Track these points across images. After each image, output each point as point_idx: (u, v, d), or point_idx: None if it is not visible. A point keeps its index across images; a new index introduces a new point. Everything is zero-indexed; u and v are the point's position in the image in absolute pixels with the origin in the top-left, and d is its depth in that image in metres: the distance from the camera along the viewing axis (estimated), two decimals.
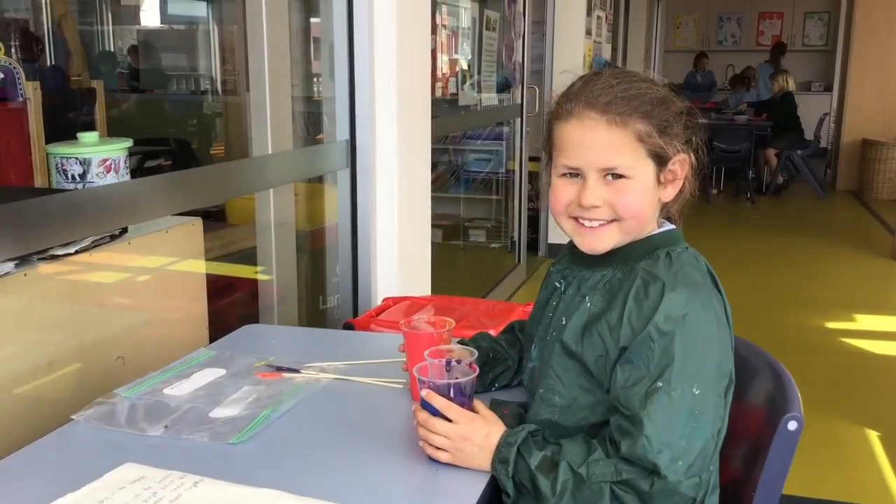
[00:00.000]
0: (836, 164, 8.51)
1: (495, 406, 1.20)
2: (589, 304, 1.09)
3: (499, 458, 1.03)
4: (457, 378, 1.11)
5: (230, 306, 2.24)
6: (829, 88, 10.30)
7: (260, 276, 2.24)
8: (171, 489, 1.01)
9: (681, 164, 1.10)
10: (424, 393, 1.07)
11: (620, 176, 1.07)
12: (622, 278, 1.08)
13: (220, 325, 1.93)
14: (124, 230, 1.75)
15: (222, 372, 1.41)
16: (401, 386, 1.34)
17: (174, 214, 1.93)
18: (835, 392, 3.20)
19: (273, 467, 1.09)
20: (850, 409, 3.03)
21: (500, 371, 1.33)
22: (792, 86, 7.95)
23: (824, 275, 5.11)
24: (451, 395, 1.08)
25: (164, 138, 4.95)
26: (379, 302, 2.31)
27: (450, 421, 1.06)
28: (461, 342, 1.31)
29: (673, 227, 1.13)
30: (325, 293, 2.49)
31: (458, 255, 5.37)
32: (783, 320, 4.02)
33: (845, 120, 8.24)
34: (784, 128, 7.74)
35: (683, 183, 1.11)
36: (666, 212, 1.14)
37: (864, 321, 4.14)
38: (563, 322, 1.11)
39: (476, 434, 1.05)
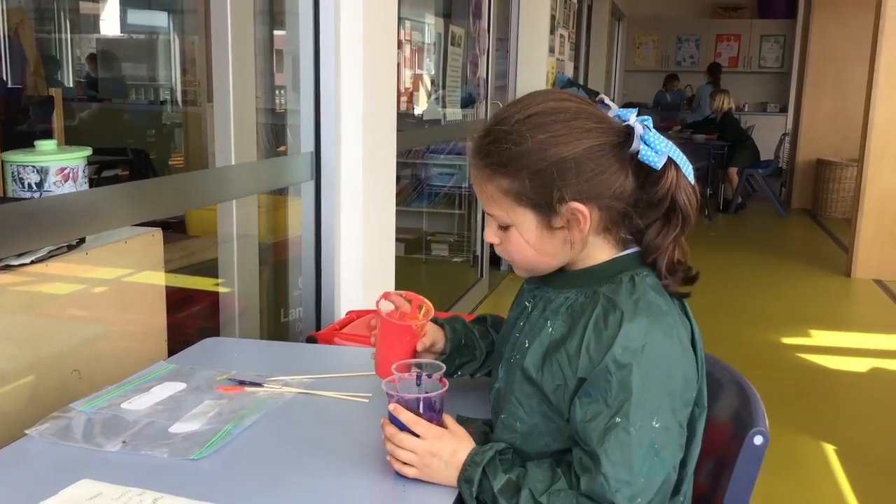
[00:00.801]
0: (791, 184, 8.69)
1: (460, 423, 1.18)
2: (550, 329, 1.07)
3: (464, 476, 1.02)
4: (426, 392, 1.10)
5: (190, 319, 2.20)
6: (784, 109, 10.53)
7: (221, 289, 2.20)
8: None
9: (577, 213, 1.02)
10: (392, 407, 1.06)
11: (504, 224, 1.07)
12: (584, 303, 1.05)
13: (179, 339, 1.90)
14: (82, 240, 1.71)
15: (182, 386, 1.37)
16: (367, 400, 1.33)
17: (134, 225, 1.90)
18: (791, 407, 3.24)
19: (235, 483, 1.06)
20: (807, 424, 3.08)
21: (466, 360, 1.30)
22: (728, 105, 8.09)
23: (780, 291, 5.20)
24: (421, 409, 1.06)
25: (122, 148, 4.88)
26: (342, 315, 2.28)
27: (418, 436, 1.05)
28: (435, 321, 1.28)
29: (637, 248, 1.09)
30: (288, 306, 2.45)
31: (421, 269, 5.35)
32: (739, 336, 4.07)
33: (800, 140, 8.43)
34: (736, 145, 7.90)
35: (583, 232, 1.03)
36: (639, 234, 1.08)
37: (820, 337, 4.21)
38: (526, 345, 1.09)
39: (443, 450, 1.04)
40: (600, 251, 1.08)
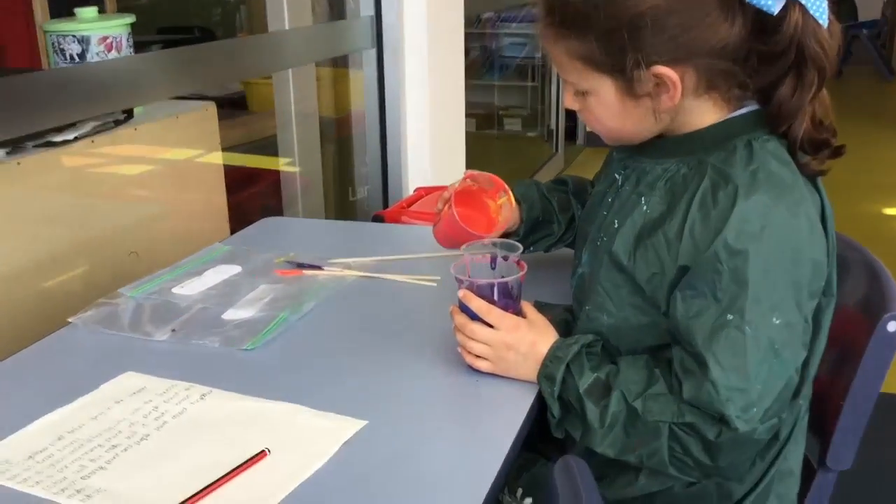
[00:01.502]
0: (892, 44, 8.00)
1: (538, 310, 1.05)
2: (645, 207, 0.89)
3: (544, 373, 0.89)
4: (502, 277, 0.96)
5: (253, 198, 2.10)
6: None
7: (282, 167, 2.08)
8: (174, 402, 0.89)
9: (664, 79, 0.83)
10: (462, 294, 0.92)
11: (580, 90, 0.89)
12: (687, 175, 0.87)
13: (241, 219, 1.80)
14: (129, 115, 1.60)
15: (238, 269, 1.27)
16: (434, 284, 1.20)
17: (186, 98, 1.78)
18: None
19: (291, 377, 0.96)
20: None
21: (540, 237, 1.15)
22: None
23: (885, 161, 4.83)
24: (495, 296, 0.92)
25: (187, 27, 4.73)
26: (411, 192, 2.15)
27: (492, 326, 0.92)
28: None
29: (755, 106, 0.88)
30: (354, 184, 2.33)
31: (493, 146, 5.16)
32: (843, 209, 3.79)
33: None
34: None
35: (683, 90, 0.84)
36: (760, 92, 0.87)
37: None
38: (615, 226, 0.92)
39: (521, 342, 0.91)
40: (705, 114, 0.88)
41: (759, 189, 0.81)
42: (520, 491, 1.00)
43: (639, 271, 0.88)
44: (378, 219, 1.90)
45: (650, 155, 0.93)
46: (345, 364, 0.98)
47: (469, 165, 2.57)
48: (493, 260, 0.98)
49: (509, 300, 0.93)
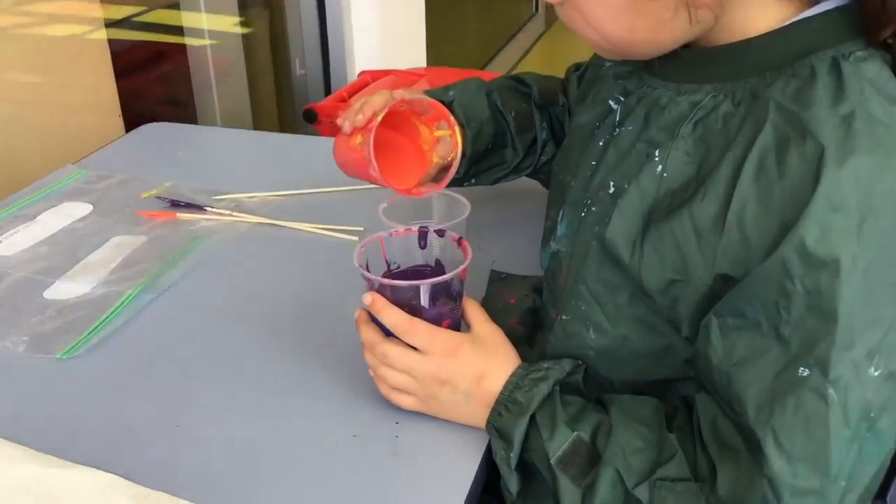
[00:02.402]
0: None
1: (495, 285, 0.72)
2: (660, 167, 0.56)
3: (496, 424, 0.58)
4: (434, 263, 0.64)
5: (155, 84, 1.71)
6: None
7: (188, 40, 1.67)
8: None
9: None
10: (368, 301, 0.60)
11: None
12: (732, 117, 0.53)
13: (143, 113, 1.43)
14: None
15: (88, 209, 0.93)
16: (357, 238, 0.87)
17: None
18: None
19: (115, 414, 0.64)
20: None
21: (487, 167, 0.82)
22: None
23: None
24: (422, 301, 0.60)
25: None
26: (356, 76, 1.78)
27: (415, 348, 0.60)
28: (445, 102, 0.75)
29: (843, 1, 0.52)
30: (289, 65, 1.94)
31: (465, 5, 4.68)
32: None
33: None
34: None
35: None
36: None
37: None
38: (611, 192, 0.58)
39: (460, 375, 0.59)
40: (761, 11, 0.53)
41: (858, 148, 0.47)
42: None
43: (648, 273, 0.55)
44: (310, 114, 1.54)
45: (668, 76, 0.58)
46: (201, 390, 0.66)
47: (435, 34, 2.18)
48: (423, 236, 0.65)
49: (445, 307, 0.61)
